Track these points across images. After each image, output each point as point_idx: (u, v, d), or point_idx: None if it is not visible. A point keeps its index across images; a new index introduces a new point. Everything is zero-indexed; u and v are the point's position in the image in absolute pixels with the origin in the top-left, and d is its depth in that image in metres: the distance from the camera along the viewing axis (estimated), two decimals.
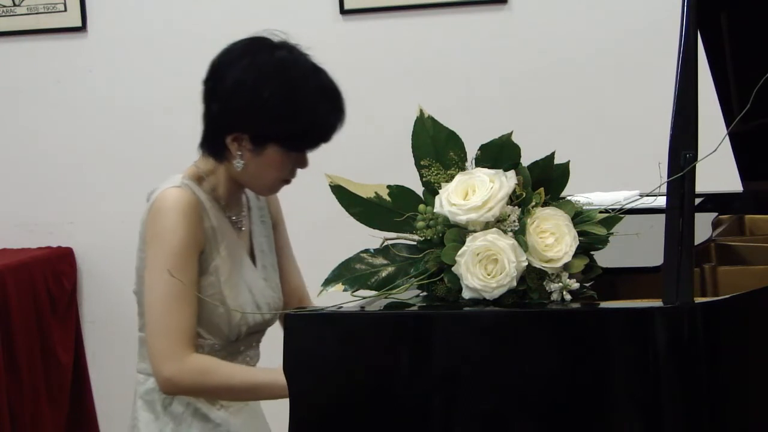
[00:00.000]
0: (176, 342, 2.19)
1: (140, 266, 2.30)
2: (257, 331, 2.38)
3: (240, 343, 2.33)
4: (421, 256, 1.68)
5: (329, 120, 2.26)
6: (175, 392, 2.25)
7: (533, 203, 1.66)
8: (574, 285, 1.62)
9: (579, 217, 1.68)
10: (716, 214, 2.35)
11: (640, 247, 1.84)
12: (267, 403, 2.39)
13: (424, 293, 1.69)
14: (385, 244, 1.72)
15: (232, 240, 2.32)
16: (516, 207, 1.65)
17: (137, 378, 2.36)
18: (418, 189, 1.72)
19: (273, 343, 2.44)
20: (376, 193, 1.73)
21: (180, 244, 2.20)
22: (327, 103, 2.25)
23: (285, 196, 2.59)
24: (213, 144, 2.30)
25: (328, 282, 1.70)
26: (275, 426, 2.48)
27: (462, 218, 1.63)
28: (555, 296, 1.62)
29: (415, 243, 1.71)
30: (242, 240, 2.37)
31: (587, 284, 1.67)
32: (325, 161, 2.65)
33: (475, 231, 1.64)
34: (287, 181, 2.34)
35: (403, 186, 1.73)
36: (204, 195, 2.29)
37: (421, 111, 1.71)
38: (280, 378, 1.96)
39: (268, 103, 2.22)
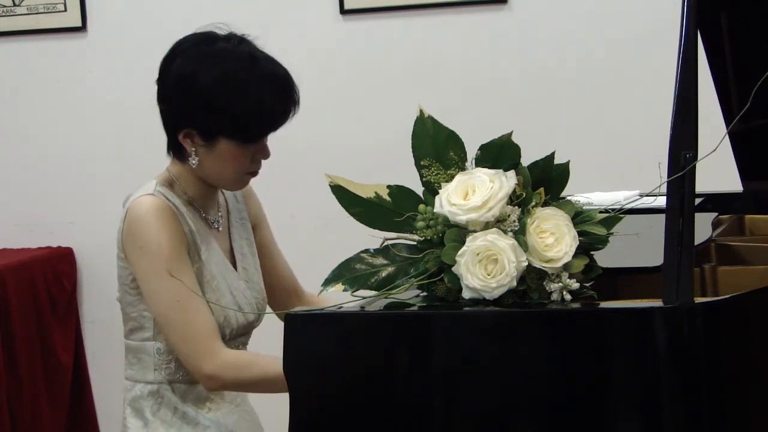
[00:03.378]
0: (206, 340, 2.18)
1: (122, 275, 2.28)
2: (242, 334, 2.35)
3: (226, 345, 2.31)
4: (421, 256, 1.68)
5: (273, 107, 2.20)
6: (218, 388, 2.25)
7: (533, 203, 1.66)
8: (574, 285, 1.62)
9: (579, 217, 1.68)
10: (716, 214, 2.35)
11: (640, 247, 1.84)
12: (261, 403, 2.39)
13: (424, 293, 1.69)
14: (385, 244, 1.72)
15: (210, 242, 2.30)
16: (516, 207, 1.65)
17: (125, 384, 2.34)
18: (418, 189, 1.72)
19: (267, 343, 2.45)
20: (376, 193, 1.73)
21: (169, 247, 2.18)
22: (268, 90, 2.20)
23: (285, 196, 2.59)
24: (172, 144, 2.28)
25: (328, 282, 1.70)
26: (270, 426, 2.48)
27: (462, 218, 1.63)
28: (555, 296, 1.62)
29: (415, 243, 1.71)
30: (221, 241, 2.34)
31: (587, 284, 1.67)
32: (325, 161, 2.66)
33: (475, 231, 1.64)
34: (253, 173, 2.29)
35: (403, 186, 1.73)
36: (177, 199, 2.26)
37: (421, 111, 1.71)
38: None
39: (207, 94, 2.19)
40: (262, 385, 2.23)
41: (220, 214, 2.37)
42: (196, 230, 2.26)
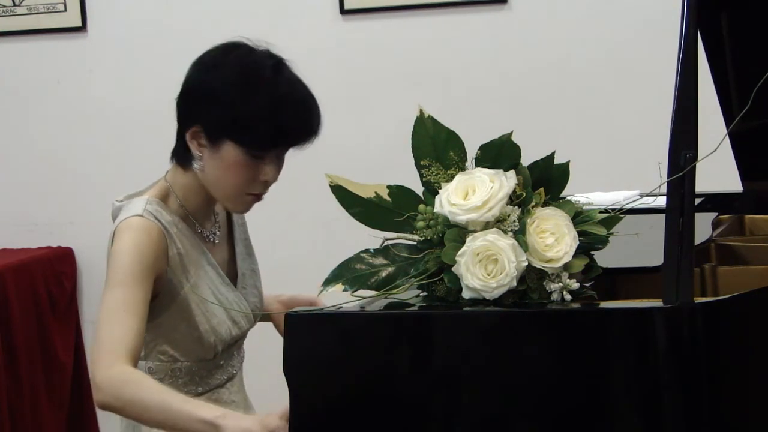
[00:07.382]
0: (111, 351, 2.04)
1: None
2: (234, 343, 2.32)
3: (219, 358, 2.28)
4: (421, 256, 1.68)
5: (283, 119, 2.12)
6: (102, 400, 2.05)
7: (533, 203, 1.66)
8: (574, 285, 1.62)
9: (579, 217, 1.68)
10: (716, 214, 2.35)
11: (640, 247, 1.84)
12: (262, 403, 2.39)
13: (424, 293, 1.69)
14: (385, 244, 1.73)
15: (203, 260, 2.24)
16: (516, 207, 1.66)
17: None
18: (418, 189, 1.72)
19: (265, 343, 2.45)
20: (376, 193, 1.73)
21: (130, 262, 2.09)
22: (283, 99, 2.12)
23: (285, 196, 2.57)
24: (179, 146, 2.22)
25: (328, 282, 1.70)
26: None
27: (462, 218, 1.63)
28: (555, 296, 1.62)
29: (415, 243, 1.71)
30: (217, 253, 2.29)
31: (587, 284, 1.67)
32: (325, 161, 2.65)
33: (475, 231, 1.64)
34: (257, 197, 2.20)
35: (403, 186, 1.73)
36: (169, 218, 2.19)
37: (421, 111, 1.71)
38: (200, 412, 1.89)
39: (218, 88, 2.12)
40: (135, 408, 2.03)
41: (217, 225, 2.32)
42: (186, 252, 2.20)
